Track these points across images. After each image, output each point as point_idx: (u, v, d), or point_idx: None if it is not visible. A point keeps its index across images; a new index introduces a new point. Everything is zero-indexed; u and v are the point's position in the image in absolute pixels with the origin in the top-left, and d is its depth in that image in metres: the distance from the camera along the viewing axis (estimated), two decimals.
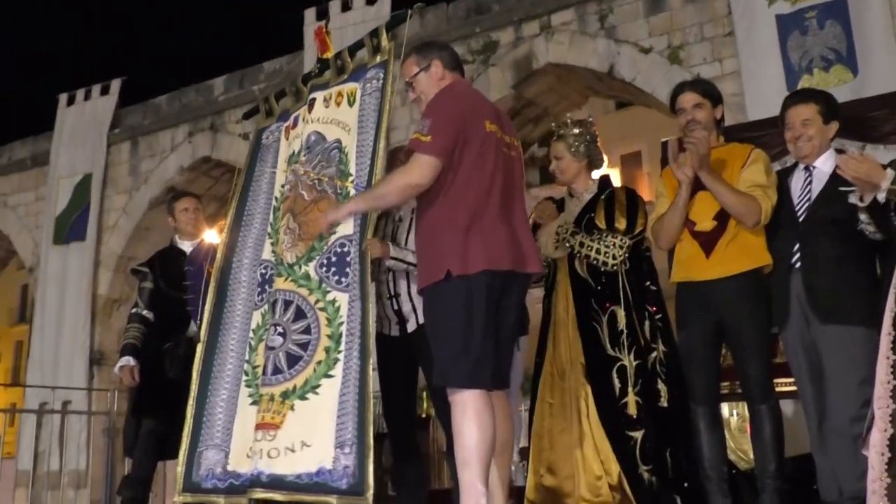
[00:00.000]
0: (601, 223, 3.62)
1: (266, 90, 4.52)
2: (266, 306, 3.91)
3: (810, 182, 3.36)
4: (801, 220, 3.32)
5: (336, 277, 3.55)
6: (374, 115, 3.75)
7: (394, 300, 3.86)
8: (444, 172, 3.01)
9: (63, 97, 12.67)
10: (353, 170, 3.69)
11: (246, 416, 3.77)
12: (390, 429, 3.99)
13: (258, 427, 3.53)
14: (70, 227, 11.94)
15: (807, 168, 3.40)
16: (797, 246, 3.28)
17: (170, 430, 4.52)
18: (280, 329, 3.61)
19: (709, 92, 3.57)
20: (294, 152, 4.08)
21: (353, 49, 4.01)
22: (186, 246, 4.95)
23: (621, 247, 3.55)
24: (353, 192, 3.59)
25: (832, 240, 3.21)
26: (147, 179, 11.88)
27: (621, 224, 3.59)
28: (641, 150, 20.24)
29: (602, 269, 3.58)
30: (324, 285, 3.58)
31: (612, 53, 8.54)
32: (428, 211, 3.07)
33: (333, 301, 3.54)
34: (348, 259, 3.53)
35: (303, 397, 3.46)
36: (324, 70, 4.11)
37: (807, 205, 3.33)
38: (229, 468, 3.73)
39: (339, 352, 3.46)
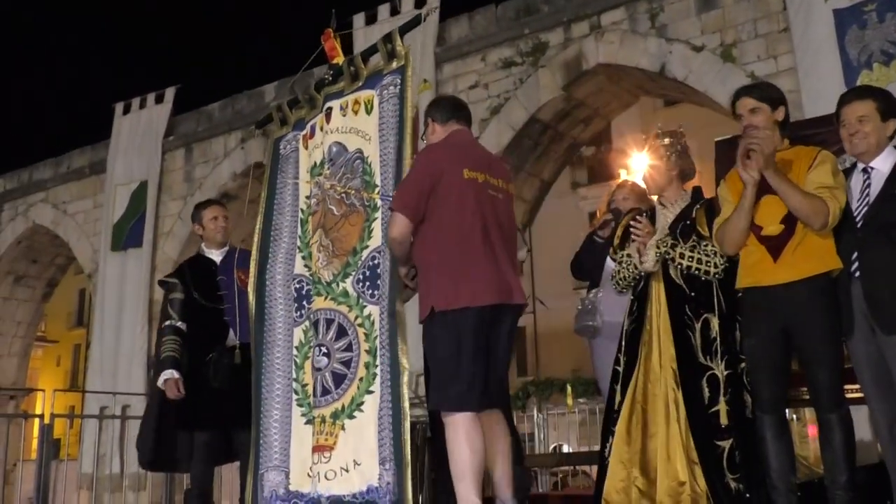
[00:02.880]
0: (704, 230, 3.58)
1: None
2: (307, 323, 3.93)
3: (868, 184, 3.28)
4: (859, 225, 3.23)
5: (370, 291, 3.60)
6: (393, 121, 3.75)
7: None
8: (425, 220, 3.32)
9: (119, 106, 12.95)
10: (378, 180, 3.72)
11: (302, 435, 3.81)
12: None
13: (315, 450, 3.59)
14: (127, 234, 12.19)
15: (865, 170, 3.32)
16: (855, 253, 3.20)
17: (223, 439, 4.60)
18: (325, 349, 3.66)
19: (766, 95, 3.50)
20: (316, 164, 4.09)
21: (367, 54, 4.00)
22: (215, 255, 4.89)
23: (721, 255, 3.51)
24: (379, 202, 3.64)
25: (892, 245, 3.12)
26: (201, 185, 12.07)
27: None
28: (692, 148, 19.97)
29: (701, 278, 3.55)
30: (361, 301, 3.63)
31: (663, 52, 8.44)
32: (418, 254, 3.37)
33: (369, 315, 3.59)
34: (378, 271, 3.59)
35: (351, 416, 3.52)
36: (337, 77, 4.09)
37: (865, 209, 3.24)
38: (291, 488, 3.78)
39: (377, 366, 3.52)
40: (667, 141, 3.81)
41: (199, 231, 5.00)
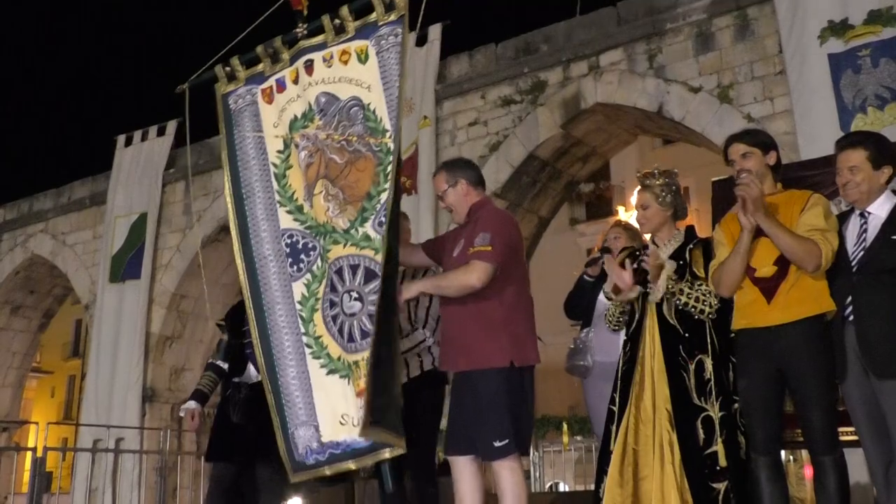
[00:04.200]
0: (699, 271, 3.61)
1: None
2: (308, 276, 3.92)
3: (865, 229, 3.30)
4: (854, 269, 3.25)
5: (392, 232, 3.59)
6: (397, 69, 3.77)
7: None
8: (499, 279, 3.55)
9: (121, 138, 13.03)
10: (387, 125, 3.75)
11: (327, 387, 3.81)
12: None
13: (360, 395, 3.57)
14: (125, 266, 12.20)
15: (862, 214, 3.35)
16: (850, 297, 3.22)
17: (240, 474, 4.69)
18: (356, 294, 3.67)
19: (758, 140, 3.55)
20: (296, 116, 4.07)
21: (355, 9, 3.97)
22: None
23: (716, 295, 3.53)
24: (391, 146, 3.69)
25: (886, 290, 3.14)
26: (200, 218, 12.10)
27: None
28: (689, 186, 20.11)
29: (694, 317, 3.56)
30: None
31: (661, 93, 8.53)
32: (485, 307, 3.56)
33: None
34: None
35: None
36: (314, 31, 4.06)
37: (861, 253, 3.26)
38: (324, 440, 3.79)
39: None
40: (661, 181, 3.84)
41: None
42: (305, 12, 4.09)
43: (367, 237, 3.70)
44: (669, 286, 3.60)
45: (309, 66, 4.03)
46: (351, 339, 3.67)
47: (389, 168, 3.69)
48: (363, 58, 3.88)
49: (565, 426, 11.65)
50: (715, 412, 3.43)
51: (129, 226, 12.40)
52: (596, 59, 9.05)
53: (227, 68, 4.42)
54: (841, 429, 3.37)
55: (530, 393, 3.60)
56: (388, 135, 3.73)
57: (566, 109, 9.17)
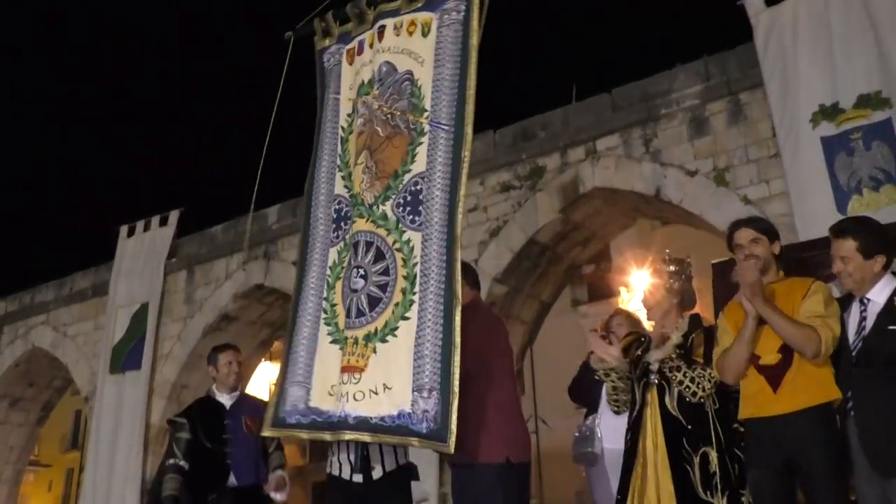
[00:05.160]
0: (698, 357, 3.58)
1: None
2: (342, 244, 3.93)
3: (865, 316, 3.28)
4: (854, 360, 3.21)
5: (410, 217, 3.59)
6: (453, 48, 3.72)
7: (361, 445, 3.87)
8: (492, 377, 3.62)
9: (123, 229, 13.12)
10: (427, 105, 3.69)
11: (326, 354, 3.79)
12: None
13: (344, 370, 3.56)
14: (126, 357, 12.13)
15: (862, 300, 3.32)
16: (850, 391, 3.18)
17: None
18: (362, 271, 3.68)
19: (765, 228, 3.58)
20: (364, 82, 4.06)
21: None
22: (225, 399, 5.04)
23: (710, 380, 3.49)
24: (427, 127, 3.63)
25: (886, 384, 3.08)
26: (202, 307, 12.10)
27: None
28: (691, 262, 20.11)
29: (693, 406, 3.51)
30: (400, 225, 3.62)
31: (658, 176, 8.63)
32: (474, 405, 3.52)
33: (408, 241, 3.58)
34: (420, 197, 3.57)
35: (383, 339, 3.50)
36: None
37: (860, 343, 3.22)
38: (311, 404, 3.76)
39: (415, 293, 3.49)
40: (672, 268, 3.84)
41: (213, 373, 5.15)
42: None
43: (384, 216, 3.69)
44: (673, 356, 3.56)
45: (381, 32, 4.04)
46: (348, 314, 3.67)
47: (418, 149, 3.65)
48: (426, 30, 3.86)
49: None
50: None
51: (131, 316, 12.38)
52: (593, 144, 9.18)
53: (324, 23, 4.46)
54: None
55: (525, 490, 3.70)
56: (425, 114, 3.69)
57: (565, 194, 9.26)
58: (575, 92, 9.75)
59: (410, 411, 3.34)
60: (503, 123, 10.08)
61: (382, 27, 4.05)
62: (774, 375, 3.28)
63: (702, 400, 3.49)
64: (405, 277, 3.54)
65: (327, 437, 3.69)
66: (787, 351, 3.27)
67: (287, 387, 3.89)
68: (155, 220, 12.90)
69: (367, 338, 3.56)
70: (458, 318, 3.35)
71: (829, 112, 7.18)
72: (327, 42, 4.49)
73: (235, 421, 4.89)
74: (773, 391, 3.27)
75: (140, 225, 13.02)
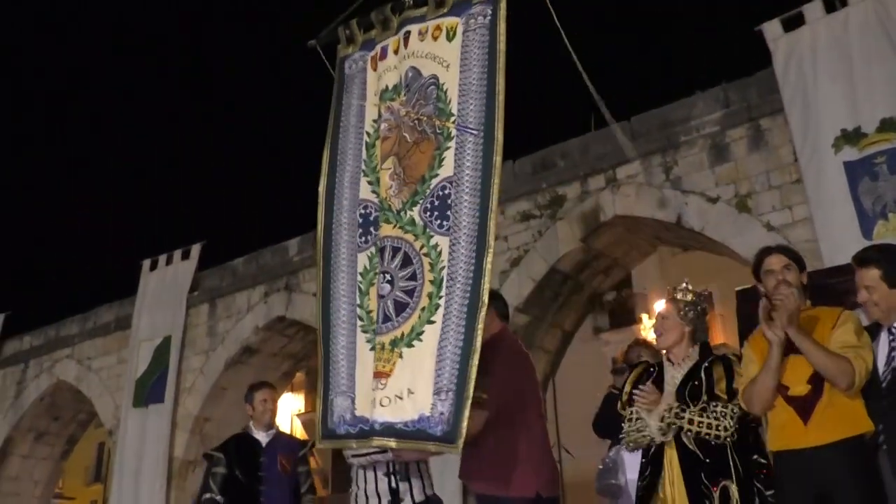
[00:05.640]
0: (721, 391, 3.52)
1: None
2: (372, 248, 3.91)
3: (894, 347, 3.22)
4: (884, 391, 3.15)
5: (438, 221, 3.57)
6: (479, 52, 3.70)
7: (392, 476, 3.93)
8: (516, 415, 3.58)
9: (146, 263, 13.21)
10: (454, 109, 3.67)
11: (367, 361, 3.77)
12: None
13: (374, 376, 3.56)
14: (149, 390, 12.15)
15: (890, 330, 3.27)
16: (881, 425, 3.12)
17: None
18: (388, 276, 3.67)
19: (795, 257, 3.55)
20: (388, 87, 4.05)
21: None
22: (262, 436, 5.12)
23: (732, 416, 3.44)
24: (454, 132, 3.61)
25: None
26: (224, 340, 12.13)
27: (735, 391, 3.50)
28: (713, 293, 19.96)
29: (714, 439, 3.46)
30: (428, 230, 3.60)
31: (679, 204, 8.59)
32: (504, 436, 3.55)
33: (436, 246, 3.56)
34: (449, 202, 3.55)
35: (409, 344, 3.48)
36: (419, 2, 4.08)
37: (890, 375, 3.16)
38: (357, 413, 3.73)
39: (440, 297, 3.48)
40: (689, 297, 3.82)
41: (250, 411, 5.23)
42: None
43: (412, 221, 3.68)
44: (661, 428, 3.52)
45: (406, 37, 4.05)
46: (377, 319, 3.68)
47: (446, 154, 3.64)
48: (451, 35, 3.86)
49: None
50: None
51: (154, 349, 12.42)
52: (612, 172, 9.15)
53: (348, 31, 4.48)
54: None
55: None
56: (451, 119, 3.68)
57: (585, 223, 9.23)
58: (594, 120, 9.76)
59: (429, 414, 3.35)
60: (522, 153, 10.09)
61: (408, 33, 4.06)
62: (804, 407, 3.22)
63: (727, 440, 3.44)
64: (432, 282, 3.54)
65: (374, 445, 3.71)
66: (816, 381, 3.21)
67: (332, 398, 3.88)
68: (177, 253, 12.99)
69: (394, 343, 3.55)
70: (481, 322, 3.34)
71: (852, 137, 7.13)
72: (350, 49, 4.50)
73: (270, 458, 4.97)
74: (804, 423, 3.21)
75: (163, 259, 13.10)
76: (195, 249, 12.85)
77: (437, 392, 3.35)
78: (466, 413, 3.24)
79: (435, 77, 3.84)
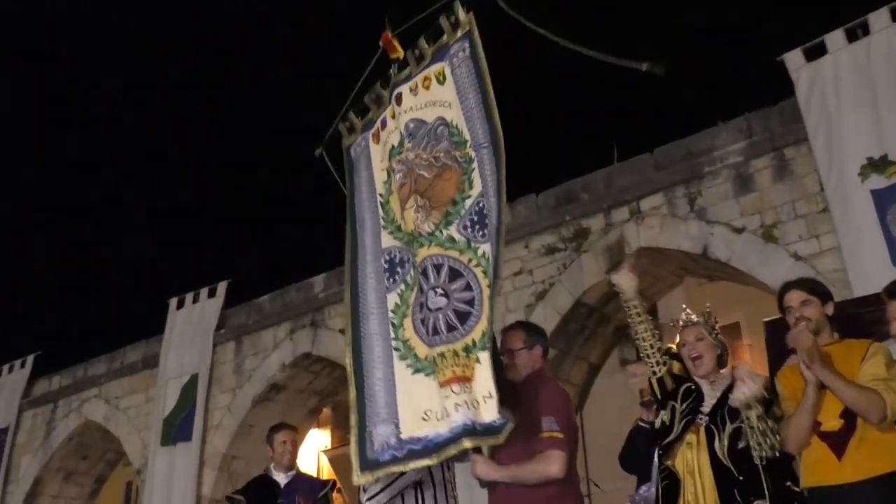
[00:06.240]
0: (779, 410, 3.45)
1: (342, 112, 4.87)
2: (402, 286, 4.07)
3: None
4: None
5: (481, 232, 3.73)
6: (469, 80, 3.93)
7: None
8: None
9: (173, 301, 13.31)
10: (467, 136, 3.89)
11: (411, 386, 3.85)
12: None
13: (448, 382, 3.59)
14: (177, 428, 12.19)
15: None
16: None
17: None
18: (441, 291, 3.76)
19: (816, 289, 3.50)
20: (394, 146, 4.28)
21: (429, 36, 4.22)
22: (281, 478, 5.15)
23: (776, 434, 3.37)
24: (473, 154, 3.83)
25: None
26: (250, 377, 12.15)
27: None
28: (739, 322, 19.76)
29: (743, 456, 3.39)
30: (472, 244, 3.76)
31: (704, 234, 8.54)
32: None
33: (483, 254, 3.71)
34: (485, 213, 3.73)
35: (484, 348, 3.55)
36: (402, 68, 4.34)
37: None
38: (403, 437, 3.78)
39: (493, 297, 3.61)
40: (711, 321, 3.82)
41: (270, 453, 5.28)
42: (402, 56, 4.39)
43: (451, 239, 3.83)
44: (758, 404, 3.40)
45: (399, 98, 4.29)
46: (436, 332, 3.74)
47: (473, 175, 3.83)
48: (441, 79, 4.10)
49: None
50: None
51: (181, 388, 12.47)
52: (636, 204, 9.13)
53: (347, 123, 4.78)
54: None
55: None
56: (468, 145, 3.88)
57: (610, 255, 9.19)
58: (616, 152, 9.77)
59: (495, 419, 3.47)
60: (545, 186, 10.11)
61: (399, 94, 4.30)
62: (838, 442, 3.17)
63: (758, 461, 3.36)
64: (488, 286, 3.66)
65: (428, 461, 3.73)
66: (849, 416, 3.17)
67: (371, 429, 3.93)
68: (203, 291, 13.09)
69: (468, 349, 3.63)
70: (491, 307, 3.55)
71: (878, 165, 7.08)
72: (353, 138, 4.78)
73: (289, 500, 4.98)
74: (838, 458, 3.16)
75: (189, 297, 13.20)
76: (221, 287, 12.94)
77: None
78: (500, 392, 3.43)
79: (442, 118, 4.06)
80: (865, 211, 7.08)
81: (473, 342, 3.61)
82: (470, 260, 3.76)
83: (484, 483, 3.75)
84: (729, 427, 3.47)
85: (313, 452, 19.85)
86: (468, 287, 3.72)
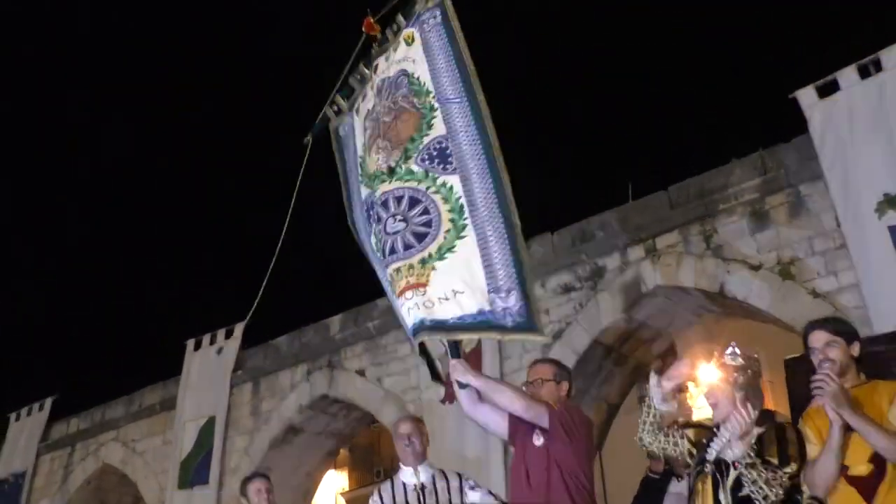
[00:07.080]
0: (773, 458, 3.35)
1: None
2: (375, 223, 4.27)
3: None
4: None
5: (441, 166, 3.99)
6: (439, 43, 4.20)
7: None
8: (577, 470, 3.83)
9: (191, 343, 13.32)
10: (430, 87, 4.15)
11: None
12: None
13: (404, 290, 3.88)
14: (194, 472, 12.13)
15: None
16: None
17: None
18: (399, 217, 4.01)
19: (841, 329, 3.44)
20: (369, 110, 4.54)
21: (405, 11, 4.46)
22: None
23: (782, 485, 3.30)
24: (436, 104, 4.07)
25: None
26: (268, 420, 12.11)
27: (792, 464, 3.33)
28: (759, 358, 19.56)
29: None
30: (431, 174, 4.00)
31: (720, 272, 8.50)
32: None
33: (444, 183, 3.96)
34: (448, 152, 3.98)
35: (441, 258, 3.84)
36: (382, 45, 4.57)
37: None
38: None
39: (465, 219, 3.88)
40: (739, 362, 3.69)
41: (244, 503, 5.32)
42: (379, 35, 4.61)
43: (410, 171, 4.06)
44: (751, 453, 3.35)
45: (376, 69, 4.55)
46: (393, 251, 3.99)
47: (434, 120, 4.08)
48: (409, 41, 4.36)
49: None
50: None
51: (198, 430, 12.44)
52: (652, 242, 9.11)
53: (334, 106, 4.98)
54: None
55: None
56: (430, 94, 4.14)
57: (627, 294, 9.17)
58: (631, 190, 9.77)
59: (491, 309, 3.69)
60: (560, 225, 10.12)
61: (376, 65, 4.58)
62: (867, 488, 3.11)
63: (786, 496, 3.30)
64: (451, 210, 3.91)
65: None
66: (878, 460, 3.11)
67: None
68: (220, 333, 13.09)
69: (423, 261, 3.89)
70: (521, 241, 3.80)
71: (895, 201, 7.05)
72: (341, 119, 5.00)
73: None
74: None
75: (206, 339, 13.21)
76: (238, 328, 12.93)
77: (494, 291, 3.70)
78: (535, 304, 3.72)
79: (404, 70, 4.34)
80: (883, 247, 7.04)
81: (430, 255, 3.88)
82: (428, 188, 3.99)
83: (462, 384, 3.94)
84: (732, 474, 3.40)
85: (331, 495, 19.69)
86: (426, 211, 3.97)
